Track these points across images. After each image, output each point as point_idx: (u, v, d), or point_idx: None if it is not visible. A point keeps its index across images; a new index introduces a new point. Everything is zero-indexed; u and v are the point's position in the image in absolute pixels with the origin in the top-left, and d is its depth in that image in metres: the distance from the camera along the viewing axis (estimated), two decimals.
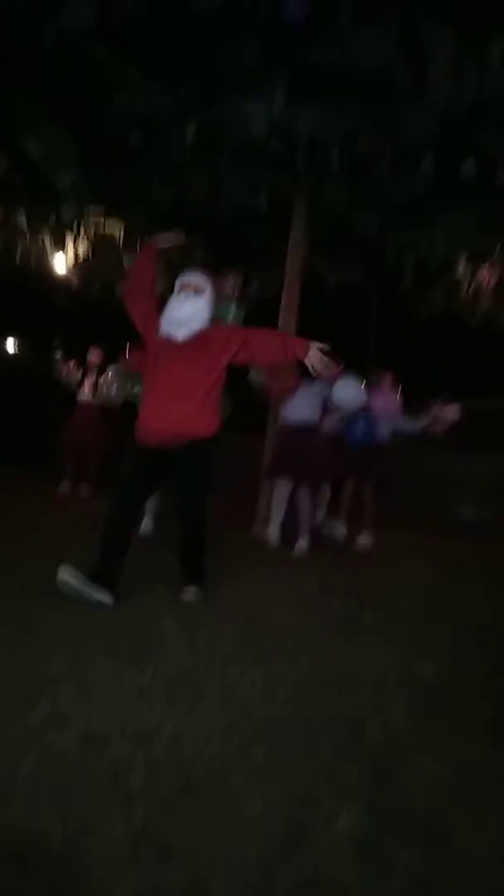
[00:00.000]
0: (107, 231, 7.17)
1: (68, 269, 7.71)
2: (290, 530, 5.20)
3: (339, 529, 5.90)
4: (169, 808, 1.62)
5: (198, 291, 3.51)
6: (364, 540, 5.82)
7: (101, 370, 7.21)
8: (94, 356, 7.35)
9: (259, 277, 7.92)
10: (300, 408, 5.23)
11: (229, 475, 6.63)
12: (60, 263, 7.67)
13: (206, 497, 3.54)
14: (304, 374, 5.11)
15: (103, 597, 3.17)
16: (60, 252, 7.56)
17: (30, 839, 1.48)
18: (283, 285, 6.54)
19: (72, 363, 7.42)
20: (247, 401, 6.14)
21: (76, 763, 1.78)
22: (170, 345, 3.47)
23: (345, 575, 4.34)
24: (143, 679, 2.33)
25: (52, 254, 7.70)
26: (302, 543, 5.08)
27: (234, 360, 3.52)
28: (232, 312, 4.81)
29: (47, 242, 7.57)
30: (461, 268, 7.54)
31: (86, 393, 7.36)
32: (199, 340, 3.47)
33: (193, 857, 1.45)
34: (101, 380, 7.12)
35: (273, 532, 5.21)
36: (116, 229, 7.15)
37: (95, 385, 7.27)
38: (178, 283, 3.58)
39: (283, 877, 1.40)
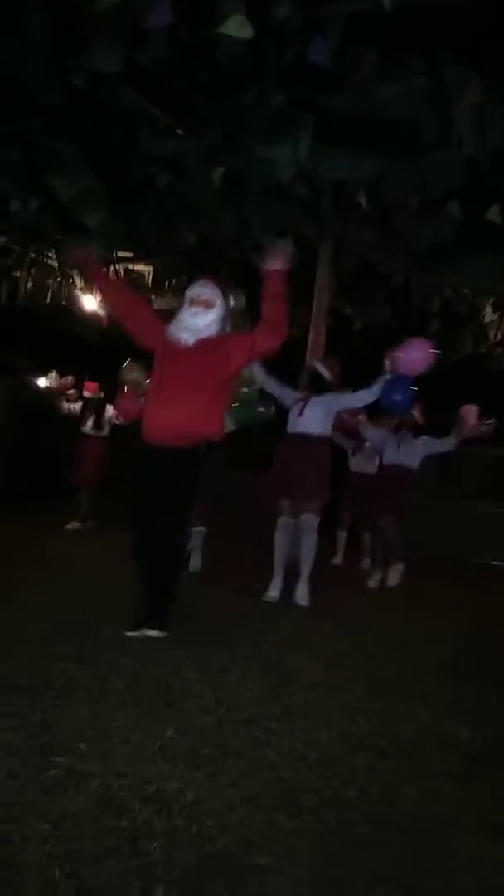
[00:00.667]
0: (135, 270, 7.28)
1: (98, 308, 7.82)
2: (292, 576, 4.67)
3: (374, 576, 5.75)
4: (190, 884, 1.50)
5: (208, 307, 3.46)
6: (394, 579, 5.68)
7: (100, 403, 7.23)
8: (89, 389, 7.35)
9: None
10: (308, 418, 4.72)
11: (249, 519, 6.59)
12: (90, 302, 7.78)
13: (188, 513, 3.43)
14: (320, 386, 4.83)
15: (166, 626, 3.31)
16: (90, 293, 7.68)
17: None
18: (309, 326, 6.56)
19: (69, 384, 7.46)
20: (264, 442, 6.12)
21: (93, 828, 1.68)
22: (177, 349, 3.42)
23: (372, 625, 4.19)
24: (164, 736, 2.23)
25: (83, 293, 7.83)
26: (302, 590, 4.55)
27: (247, 361, 3.55)
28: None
29: (77, 282, 7.70)
30: (489, 313, 7.53)
31: (89, 427, 7.34)
32: (208, 346, 3.42)
33: None
34: (106, 416, 7.18)
35: (273, 593, 4.64)
36: (145, 269, 7.27)
37: (99, 420, 7.25)
38: (187, 296, 3.54)
39: None
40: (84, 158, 5.13)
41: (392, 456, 6.04)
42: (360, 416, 6.01)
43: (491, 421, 6.11)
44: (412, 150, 4.58)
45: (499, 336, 7.69)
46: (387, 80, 4.31)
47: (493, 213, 4.91)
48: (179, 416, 3.31)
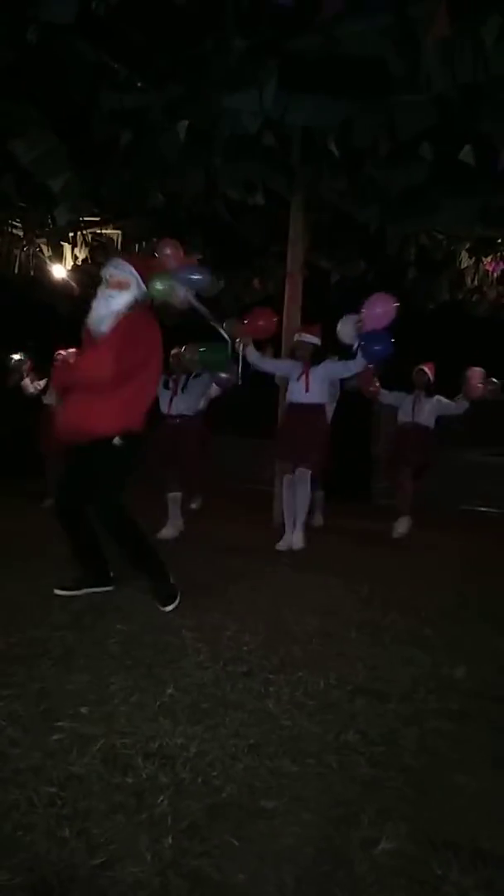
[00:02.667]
0: (103, 234, 7.10)
1: (68, 275, 7.62)
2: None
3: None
4: (198, 833, 1.52)
5: (122, 287, 3.31)
6: (402, 528, 5.76)
7: None
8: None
9: (261, 275, 7.84)
10: (308, 390, 5.13)
11: (245, 474, 6.59)
12: (59, 270, 7.58)
13: (115, 499, 3.31)
14: (315, 355, 5.13)
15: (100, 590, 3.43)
16: (59, 259, 7.49)
17: (53, 872, 1.39)
18: (284, 281, 6.46)
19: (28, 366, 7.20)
20: (262, 404, 6.12)
21: (99, 787, 1.69)
22: (89, 339, 3.36)
23: (367, 575, 4.23)
24: (164, 694, 2.24)
25: (51, 261, 7.63)
26: (289, 538, 5.02)
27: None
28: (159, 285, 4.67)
29: (45, 250, 7.50)
30: (465, 259, 7.44)
31: (50, 398, 6.94)
32: (110, 332, 3.27)
33: (226, 887, 1.36)
34: None
35: (283, 545, 5.05)
36: (113, 233, 7.09)
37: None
38: (103, 274, 3.41)
39: None
40: (43, 119, 4.94)
41: (408, 415, 6.15)
42: (376, 385, 6.18)
43: (495, 380, 6.13)
44: (381, 92, 4.43)
45: (475, 282, 7.63)
46: (350, 17, 4.16)
47: (465, 154, 4.78)
48: (73, 415, 3.30)
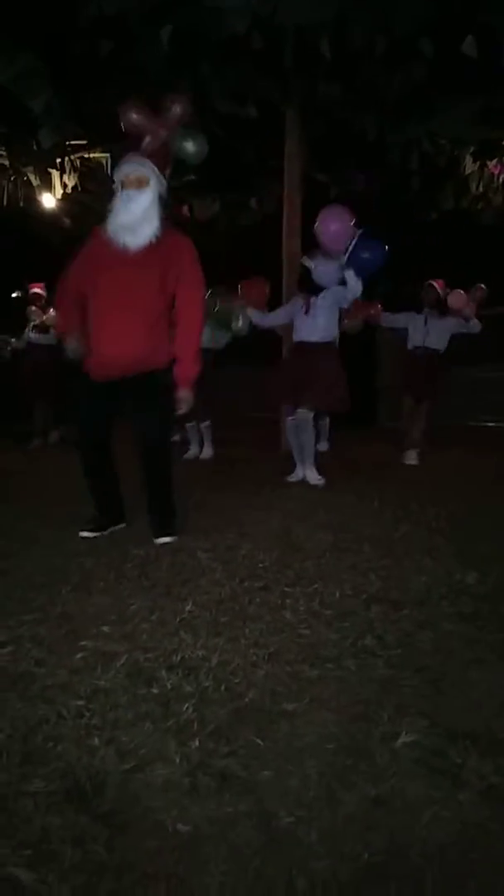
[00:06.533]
0: (91, 158, 6.82)
1: (58, 207, 7.38)
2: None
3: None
4: (224, 736, 1.58)
5: (141, 185, 3.02)
6: (412, 459, 5.72)
7: (43, 305, 6.81)
8: (36, 291, 6.91)
9: (257, 194, 7.56)
10: (313, 326, 4.81)
11: (256, 403, 6.58)
12: (50, 201, 7.34)
13: (167, 430, 3.29)
14: (314, 289, 4.80)
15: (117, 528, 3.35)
16: (48, 188, 7.23)
17: (86, 777, 1.44)
18: (282, 200, 6.24)
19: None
20: (270, 334, 6.01)
21: (125, 698, 1.74)
22: (119, 256, 3.03)
23: (377, 492, 4.25)
24: (184, 611, 2.29)
25: (41, 192, 7.37)
26: (310, 474, 4.78)
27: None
28: (191, 144, 4.50)
29: (33, 179, 7.24)
30: (469, 164, 7.12)
31: (33, 335, 6.90)
32: (151, 249, 3.03)
33: (254, 785, 1.41)
34: (46, 319, 6.76)
35: (293, 478, 4.88)
36: (102, 156, 6.81)
37: (42, 324, 6.83)
38: (117, 177, 3.11)
39: (349, 798, 1.36)
40: (18, 34, 4.66)
41: (419, 339, 5.86)
42: (377, 307, 5.88)
43: (480, 286, 5.98)
44: None
45: (480, 188, 7.33)
46: None
47: (468, 46, 4.47)
48: (128, 345, 3.00)
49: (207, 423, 6.07)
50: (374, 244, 4.54)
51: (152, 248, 3.04)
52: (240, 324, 5.67)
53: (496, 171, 7.10)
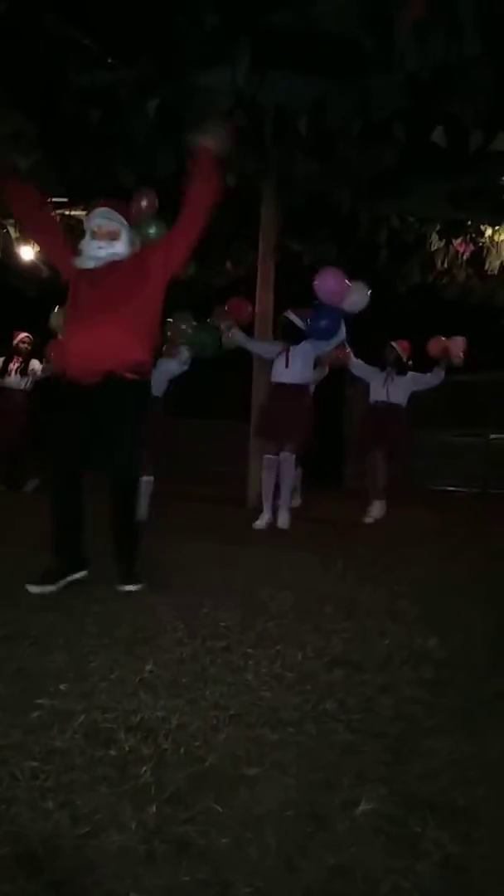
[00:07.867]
0: (72, 216, 6.99)
1: (36, 258, 7.51)
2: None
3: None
4: (182, 801, 1.54)
5: (112, 238, 3.13)
6: (376, 512, 5.79)
7: (27, 354, 6.98)
8: (20, 339, 7.05)
9: (233, 258, 7.81)
10: (291, 370, 5.22)
11: (218, 457, 6.63)
12: (27, 252, 7.47)
13: (137, 451, 3.18)
14: (296, 334, 5.23)
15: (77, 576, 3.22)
16: (26, 244, 7.37)
17: (38, 842, 1.40)
18: (257, 265, 6.45)
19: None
20: (234, 386, 6.15)
21: (81, 760, 1.70)
22: (88, 272, 3.13)
23: (341, 553, 4.28)
24: (144, 670, 2.26)
25: (19, 244, 7.51)
26: (283, 517, 5.07)
27: (172, 264, 3.17)
28: (153, 228, 4.59)
29: (12, 232, 7.37)
30: (435, 241, 7.50)
31: (11, 379, 7.03)
32: (121, 264, 3.14)
33: (211, 853, 1.38)
34: (31, 367, 6.94)
35: (260, 523, 5.13)
36: (82, 214, 6.97)
37: (24, 370, 6.97)
38: (87, 225, 3.20)
39: (307, 867, 1.34)
40: (10, 96, 4.84)
41: (379, 393, 6.05)
42: (346, 351, 6.05)
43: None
44: (354, 71, 4.44)
45: (445, 264, 7.70)
46: None
47: (437, 136, 4.81)
48: (98, 342, 3.00)
49: (150, 478, 5.23)
50: (332, 312, 4.82)
51: (126, 259, 3.18)
52: (230, 334, 5.65)
53: (461, 249, 7.47)
